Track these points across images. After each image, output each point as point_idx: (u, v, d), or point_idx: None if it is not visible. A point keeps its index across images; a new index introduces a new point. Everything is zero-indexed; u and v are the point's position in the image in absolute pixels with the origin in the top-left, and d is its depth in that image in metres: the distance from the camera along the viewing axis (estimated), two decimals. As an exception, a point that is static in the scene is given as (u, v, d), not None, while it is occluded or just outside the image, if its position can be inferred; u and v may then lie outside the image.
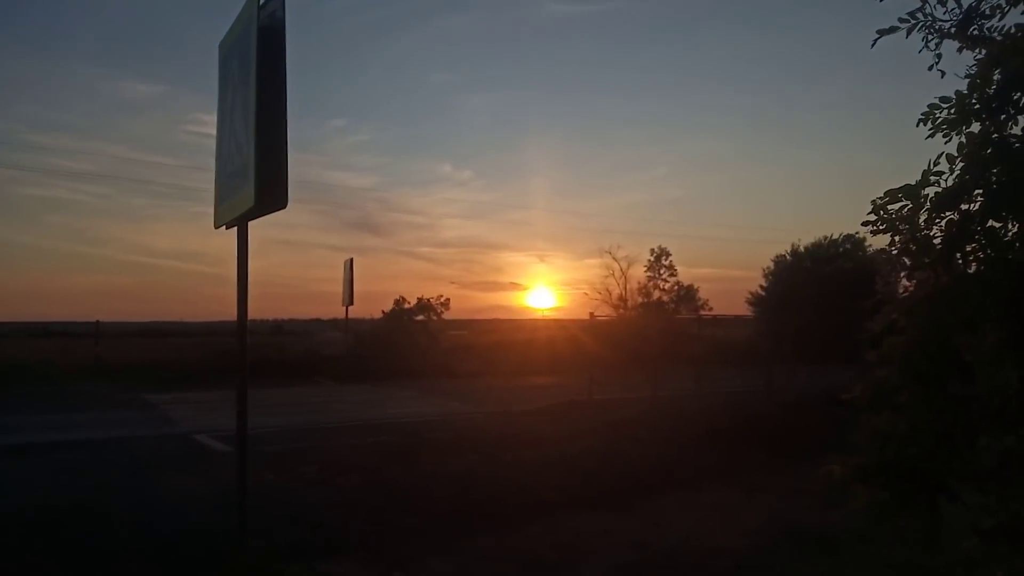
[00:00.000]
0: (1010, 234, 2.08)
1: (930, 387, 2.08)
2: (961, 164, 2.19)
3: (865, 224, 2.28)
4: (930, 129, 2.30)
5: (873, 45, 2.41)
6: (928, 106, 2.27)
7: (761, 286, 34.79)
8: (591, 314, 18.82)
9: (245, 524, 5.10)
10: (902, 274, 2.28)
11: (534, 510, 6.68)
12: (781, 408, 11.18)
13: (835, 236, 33.09)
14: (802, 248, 33.73)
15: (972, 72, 2.27)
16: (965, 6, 2.38)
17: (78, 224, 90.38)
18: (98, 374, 19.24)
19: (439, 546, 5.71)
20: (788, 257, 34.07)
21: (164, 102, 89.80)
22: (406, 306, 25.27)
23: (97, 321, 22.28)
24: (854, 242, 32.40)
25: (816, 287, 27.55)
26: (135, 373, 19.26)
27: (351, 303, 23.30)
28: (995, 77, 2.17)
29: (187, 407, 14.49)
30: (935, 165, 2.21)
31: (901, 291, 2.33)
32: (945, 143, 2.28)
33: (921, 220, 2.23)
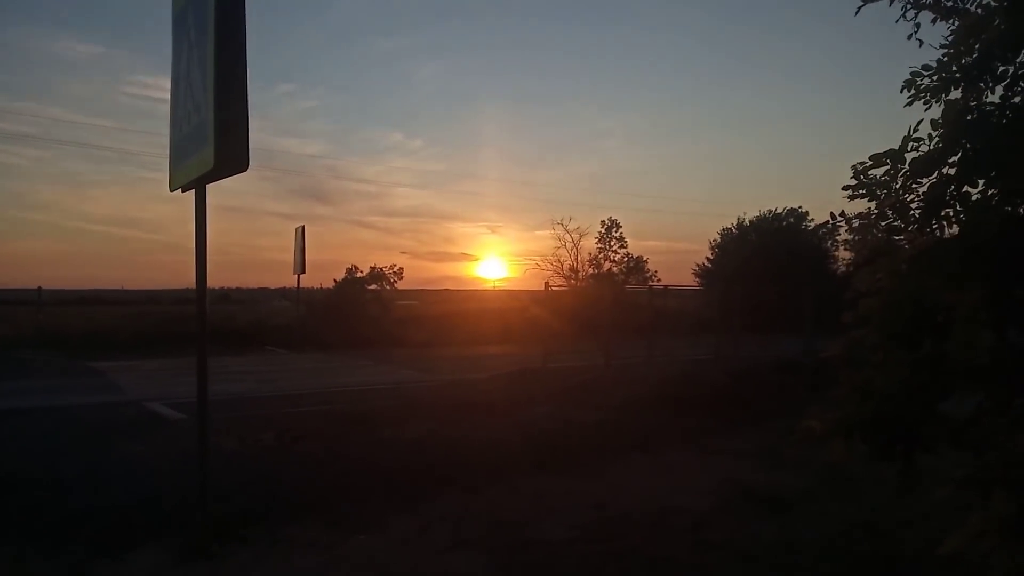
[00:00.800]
0: (994, 199, 2.18)
1: (906, 345, 2.18)
2: (941, 131, 2.27)
3: (845, 188, 2.36)
4: (910, 96, 2.38)
5: (857, 13, 2.48)
6: (911, 73, 2.35)
7: (708, 258, 35.57)
8: (546, 284, 18.89)
9: (207, 488, 5.06)
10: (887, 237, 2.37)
11: (493, 474, 6.77)
12: (730, 376, 11.49)
13: (778, 210, 33.99)
14: (747, 222, 34.56)
15: (947, 42, 2.36)
16: (943, -24, 2.46)
17: (15, 188, 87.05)
18: (41, 342, 18.65)
19: (400, 509, 5.75)
20: (734, 230, 34.86)
21: (103, 62, 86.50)
22: (359, 275, 25.03)
23: (39, 288, 21.52)
24: (797, 216, 33.35)
25: (762, 259, 28.24)
26: (79, 341, 18.74)
27: (303, 271, 23.05)
28: (975, 47, 2.25)
29: (135, 375, 14.17)
30: (915, 132, 2.30)
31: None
32: (925, 110, 2.36)
33: (898, 185, 2.31)
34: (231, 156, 4.68)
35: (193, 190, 5.20)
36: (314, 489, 6.27)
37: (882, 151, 2.26)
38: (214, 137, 4.61)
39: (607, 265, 34.49)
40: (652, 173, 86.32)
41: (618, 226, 35.31)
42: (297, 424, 8.92)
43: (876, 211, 2.34)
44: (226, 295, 52.94)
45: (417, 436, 8.35)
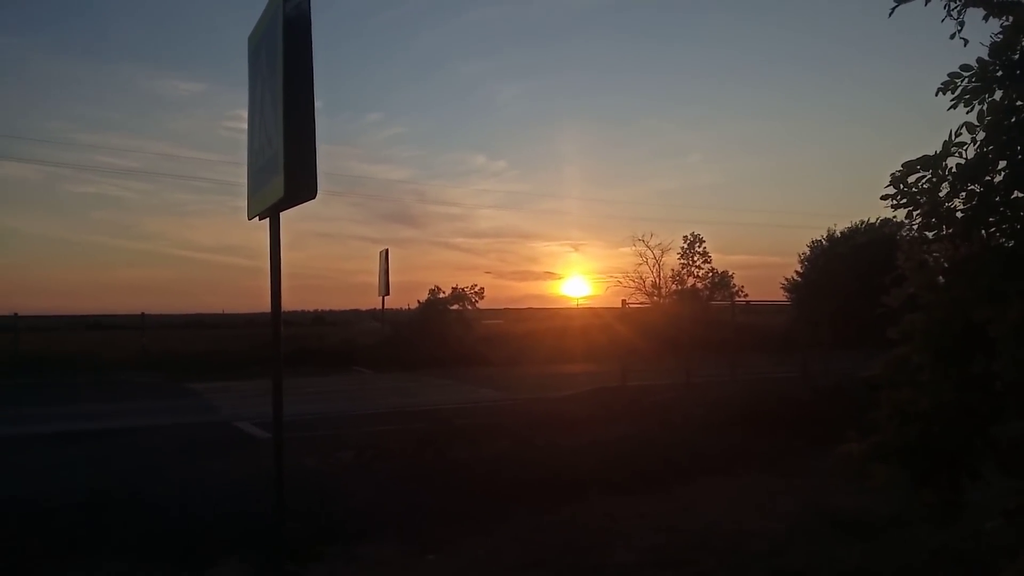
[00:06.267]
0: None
1: (953, 364, 2.03)
2: (983, 134, 2.13)
3: (884, 198, 2.24)
4: (952, 99, 2.24)
5: (891, 14, 2.36)
6: (949, 75, 2.21)
7: (797, 272, 34.41)
8: (623, 302, 18.70)
9: (283, 507, 5.21)
10: (923, 248, 2.23)
11: (567, 494, 6.71)
12: (817, 393, 11.03)
13: (873, 220, 32.52)
14: (838, 233, 33.27)
15: (997, 40, 2.20)
16: (990, -30, 2.31)
17: (124, 220, 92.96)
18: (144, 364, 19.77)
19: (473, 529, 5.76)
20: (824, 242, 33.63)
21: (205, 99, 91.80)
22: (441, 296, 25.42)
23: (143, 313, 22.82)
24: (892, 226, 31.79)
25: (853, 272, 27.08)
26: (179, 363, 19.76)
27: (387, 293, 23.51)
28: (1022, 44, 2.10)
29: (229, 395, 14.81)
30: (956, 136, 2.16)
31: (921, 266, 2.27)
32: (967, 112, 2.21)
33: (943, 193, 2.17)
34: (300, 185, 4.83)
35: (268, 219, 5.40)
36: (390, 508, 6.38)
37: (915, 158, 2.13)
38: (284, 167, 4.79)
39: (690, 281, 33.89)
40: (738, 186, 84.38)
41: (701, 241, 34.62)
42: (377, 443, 9.10)
43: (921, 220, 2.20)
44: (320, 318, 54.71)
45: (493, 455, 8.38)
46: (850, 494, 6.57)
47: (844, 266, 28.90)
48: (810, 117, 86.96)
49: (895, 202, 2.24)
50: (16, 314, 21.09)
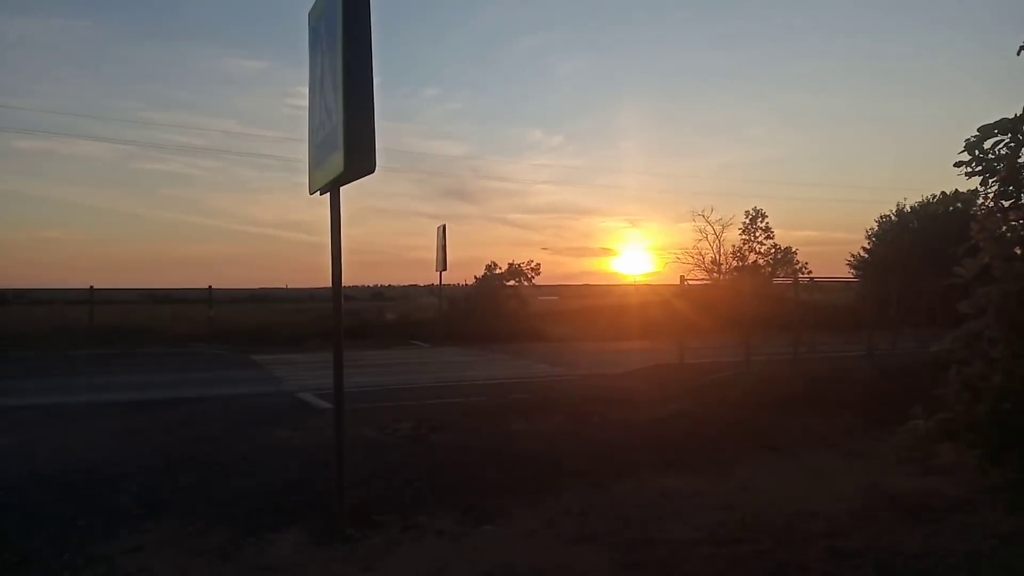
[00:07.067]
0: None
1: (1029, 338, 1.94)
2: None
3: (958, 165, 2.14)
4: (1035, 60, 2.11)
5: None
6: None
7: (864, 248, 33.45)
8: (682, 278, 18.44)
9: (342, 476, 5.36)
10: (999, 217, 2.12)
11: (621, 470, 6.71)
12: (882, 373, 10.73)
13: (946, 192, 31.30)
14: (908, 208, 32.20)
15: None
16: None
17: (191, 196, 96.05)
18: (211, 337, 20.45)
19: (527, 502, 5.81)
20: (893, 217, 32.62)
21: (267, 77, 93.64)
22: (497, 271, 25.58)
23: (210, 287, 23.52)
24: (964, 199, 30.50)
25: (924, 248, 26.15)
26: (245, 336, 20.43)
27: (444, 269, 23.82)
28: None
29: (292, 367, 15.22)
30: (1038, 99, 2.04)
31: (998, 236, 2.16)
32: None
33: (1022, 158, 2.06)
34: (359, 160, 4.91)
35: (328, 194, 5.49)
36: (446, 478, 6.48)
37: (992, 122, 2.02)
38: (343, 142, 4.85)
39: (752, 257, 33.25)
40: (802, 160, 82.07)
41: (763, 216, 33.93)
42: (434, 415, 9.25)
43: (997, 188, 2.09)
44: (380, 293, 55.71)
45: (548, 430, 8.43)
46: (913, 476, 6.39)
47: (915, 241, 27.96)
48: (877, 88, 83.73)
49: (970, 169, 2.14)
50: (91, 287, 21.97)
